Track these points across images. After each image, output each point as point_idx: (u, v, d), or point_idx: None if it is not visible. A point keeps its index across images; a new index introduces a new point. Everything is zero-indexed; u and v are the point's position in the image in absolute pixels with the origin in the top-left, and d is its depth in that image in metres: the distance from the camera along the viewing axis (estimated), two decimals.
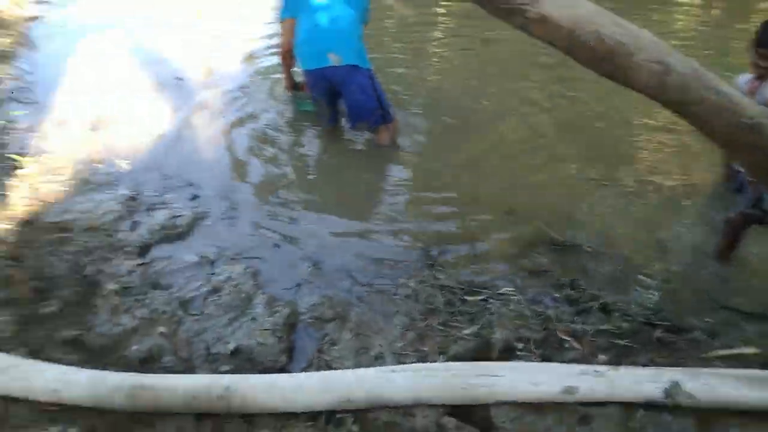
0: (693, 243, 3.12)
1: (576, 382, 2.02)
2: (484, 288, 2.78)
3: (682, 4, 7.95)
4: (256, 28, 6.73)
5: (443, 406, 2.06)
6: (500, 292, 2.76)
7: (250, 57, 5.83)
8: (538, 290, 2.82)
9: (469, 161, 3.93)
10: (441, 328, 2.50)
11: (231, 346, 2.42)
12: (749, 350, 2.27)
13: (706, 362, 2.24)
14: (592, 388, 2.00)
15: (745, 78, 3.10)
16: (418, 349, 2.39)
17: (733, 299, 2.72)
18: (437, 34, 6.70)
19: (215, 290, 2.79)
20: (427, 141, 4.19)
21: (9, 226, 3.17)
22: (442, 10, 7.46)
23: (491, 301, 2.67)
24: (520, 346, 2.37)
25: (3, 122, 4.36)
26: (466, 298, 2.70)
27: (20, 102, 4.76)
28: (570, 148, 4.10)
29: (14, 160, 3.81)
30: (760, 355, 2.26)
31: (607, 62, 1.86)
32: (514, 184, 3.69)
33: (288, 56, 4.08)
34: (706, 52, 5.90)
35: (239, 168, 3.88)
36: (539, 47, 5.31)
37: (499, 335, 2.40)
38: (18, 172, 3.70)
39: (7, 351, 2.29)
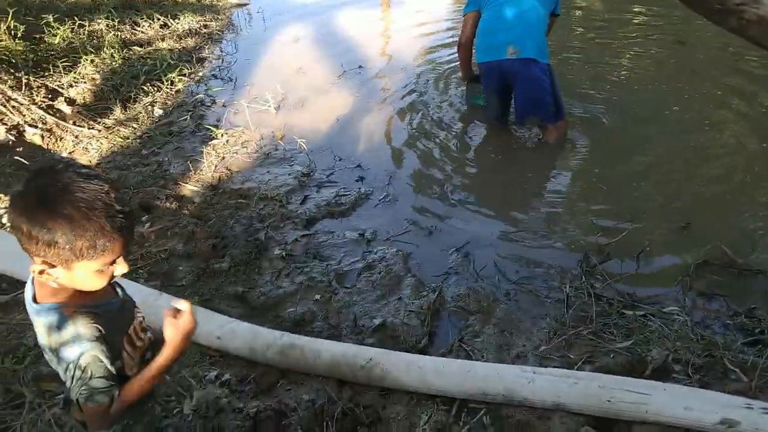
0: None
1: (737, 415, 1.82)
2: (646, 304, 2.61)
3: None
4: (439, 20, 6.89)
5: (583, 415, 1.97)
6: (664, 310, 2.57)
7: (429, 49, 5.98)
8: (708, 314, 2.58)
9: (648, 169, 3.68)
10: (591, 337, 2.39)
11: (377, 321, 2.53)
12: None
13: None
14: (756, 425, 1.79)
15: None
16: (564, 355, 2.32)
17: None
18: (629, 31, 6.31)
19: (369, 267, 2.93)
20: (602, 143, 3.99)
21: (198, 189, 3.60)
22: (637, 8, 7.01)
23: (652, 318, 2.50)
24: (678, 368, 2.19)
25: (203, 96, 4.94)
26: (625, 312, 2.55)
27: (221, 79, 5.37)
28: (753, 152, 3.67)
29: (210, 130, 4.30)
30: None
31: None
32: (695, 198, 3.39)
33: (466, 48, 4.10)
34: None
35: (405, 155, 4.02)
36: (740, 52, 4.84)
37: (655, 354, 2.24)
38: (211, 142, 4.18)
39: (183, 297, 2.61)
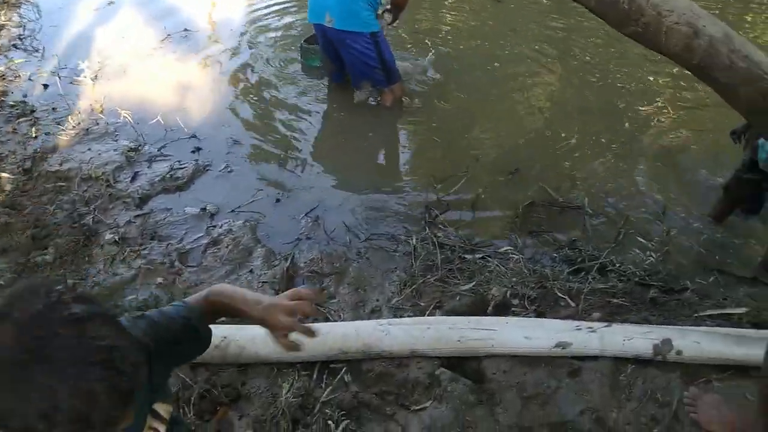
0: (692, 206, 3.13)
1: (569, 337, 2.05)
2: (484, 247, 2.81)
3: None
4: None
5: (438, 358, 2.10)
6: (500, 251, 2.79)
7: (258, 9, 5.74)
8: (538, 250, 2.85)
9: (476, 122, 3.91)
10: (438, 284, 2.53)
11: None
12: (738, 310, 2.30)
13: (697, 321, 2.27)
14: (584, 343, 2.03)
15: None
16: (415, 303, 2.43)
17: (727, 263, 2.75)
18: None
19: (214, 243, 2.82)
20: (434, 103, 4.14)
21: (7, 175, 3.18)
22: None
23: (490, 259, 2.70)
24: (516, 302, 2.40)
25: (3, 69, 4.33)
26: (465, 256, 2.72)
27: (24, 50, 4.72)
28: (581, 111, 4.05)
29: (15, 107, 3.80)
30: (749, 314, 2.29)
31: (635, 24, 1.82)
32: (519, 146, 3.67)
33: None
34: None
35: (243, 121, 3.86)
36: (552, 7, 5.17)
37: (495, 291, 2.43)
38: (18, 121, 3.70)
39: None
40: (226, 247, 2.78)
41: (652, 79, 4.36)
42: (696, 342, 2.03)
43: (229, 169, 3.37)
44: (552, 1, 5.70)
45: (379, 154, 3.67)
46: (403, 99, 4.02)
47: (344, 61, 3.83)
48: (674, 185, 3.31)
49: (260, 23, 5.52)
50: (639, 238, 2.85)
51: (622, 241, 2.88)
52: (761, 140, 2.49)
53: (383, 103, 3.99)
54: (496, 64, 4.70)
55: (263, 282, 2.56)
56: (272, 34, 5.14)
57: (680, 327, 2.12)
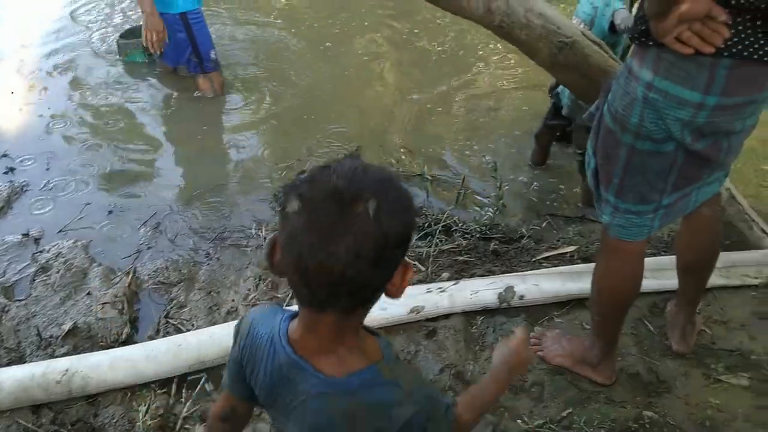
0: (519, 159, 3.37)
1: (422, 301, 2.13)
2: None
3: None
4: None
5: None
6: None
7: (72, 8, 5.22)
8: None
9: (313, 105, 3.86)
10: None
11: (66, 327, 2.24)
12: (569, 248, 2.52)
13: (535, 265, 2.45)
14: (436, 304, 2.12)
15: None
16: (272, 296, 2.38)
17: (555, 207, 3.00)
18: None
19: (43, 270, 2.56)
20: (268, 88, 4.04)
21: None
22: None
23: None
24: None
25: None
26: None
27: None
28: (416, 84, 4.15)
29: None
30: (579, 251, 2.52)
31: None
32: (358, 123, 3.70)
33: None
34: None
35: (62, 133, 3.51)
36: None
37: None
38: None
39: None
40: (57, 272, 2.54)
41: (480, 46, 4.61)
42: (535, 285, 2.19)
43: (50, 187, 3.06)
44: None
45: (218, 147, 3.51)
46: (221, 87, 3.89)
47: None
48: (503, 142, 3.53)
49: (77, 19, 5.04)
50: (477, 196, 3.02)
51: (463, 201, 3.03)
52: (560, 87, 2.76)
53: (200, 91, 3.84)
54: (328, 44, 4.69)
55: (104, 303, 2.37)
56: (87, 32, 4.72)
57: (521, 273, 2.28)
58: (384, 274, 0.82)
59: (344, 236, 0.75)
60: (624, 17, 2.40)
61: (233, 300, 2.40)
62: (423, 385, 0.93)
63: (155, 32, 3.45)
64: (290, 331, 0.89)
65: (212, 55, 3.75)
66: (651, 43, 1.25)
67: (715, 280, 2.26)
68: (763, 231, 2.38)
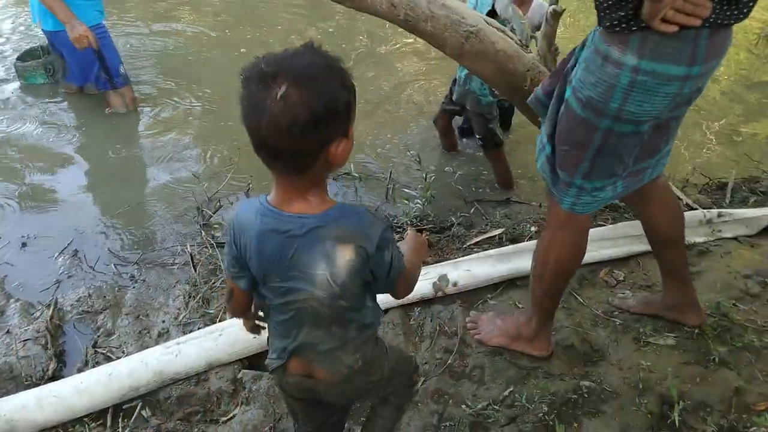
0: (440, 150, 3.43)
1: None
2: None
3: None
4: None
5: (238, 361, 2.03)
6: None
7: None
8: None
9: (229, 113, 3.78)
10: (225, 285, 2.43)
11: None
12: (496, 231, 2.58)
13: (466, 251, 2.49)
14: None
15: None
16: (204, 314, 2.31)
17: (480, 192, 3.06)
18: None
19: None
20: (181, 100, 3.92)
21: None
22: None
23: None
24: None
25: None
26: None
27: None
28: None
29: None
30: (507, 233, 2.58)
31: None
32: None
33: None
34: None
35: None
36: None
37: None
38: None
39: None
40: None
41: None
42: (467, 270, 2.23)
43: None
44: None
45: (135, 164, 3.37)
46: (133, 102, 3.76)
47: (68, 62, 3.51)
48: (423, 134, 3.57)
49: None
50: (405, 190, 3.04)
51: (393, 196, 3.04)
52: (457, 74, 2.84)
53: (111, 108, 3.69)
54: (242, 50, 4.61)
55: (25, 340, 2.23)
56: None
57: (453, 261, 2.31)
58: (310, 145, 0.98)
59: (264, 113, 0.94)
60: (503, 5, 2.46)
61: (163, 321, 2.31)
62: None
63: (84, 36, 3.27)
64: (269, 201, 1.08)
65: (121, 70, 3.61)
66: (635, 28, 1.29)
67: (636, 247, 2.38)
68: (677, 198, 2.50)
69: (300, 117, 0.93)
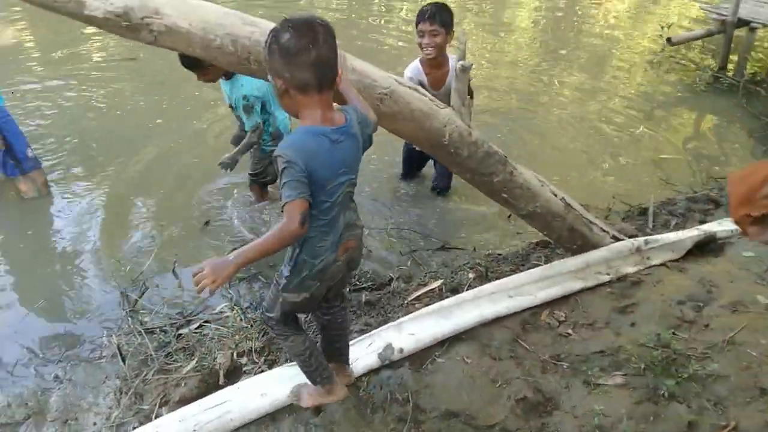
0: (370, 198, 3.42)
1: (301, 379, 2.01)
2: (198, 314, 2.64)
3: None
4: None
5: None
6: (215, 311, 2.64)
7: None
8: (254, 294, 2.78)
9: (141, 184, 3.66)
10: (160, 375, 2.28)
11: None
12: (436, 284, 2.56)
13: (408, 308, 2.45)
14: None
15: (414, 66, 3.12)
16: (138, 410, 2.14)
17: (414, 244, 3.06)
18: (83, 60, 5.98)
19: None
20: (89, 176, 3.76)
21: None
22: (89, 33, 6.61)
23: (208, 325, 2.53)
24: (245, 360, 2.29)
25: None
26: (181, 332, 2.51)
27: None
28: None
29: None
30: (446, 284, 2.56)
31: (248, 61, 1.81)
32: (192, 191, 3.56)
33: None
34: None
35: None
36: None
37: (220, 358, 2.28)
38: None
39: None
40: None
41: None
42: (411, 334, 2.17)
43: None
44: None
45: (50, 251, 3.15)
46: (44, 186, 3.58)
47: None
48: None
49: None
50: None
51: None
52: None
53: (24, 194, 3.49)
54: (159, 120, 4.49)
55: None
56: None
57: (396, 322, 2.24)
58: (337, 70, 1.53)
59: (320, 40, 1.43)
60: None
61: (95, 423, 2.14)
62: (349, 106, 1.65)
63: None
64: (320, 124, 1.49)
65: (29, 153, 3.42)
66: None
67: (573, 284, 2.41)
68: (603, 230, 2.58)
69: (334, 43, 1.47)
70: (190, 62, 2.59)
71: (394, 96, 1.99)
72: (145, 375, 2.27)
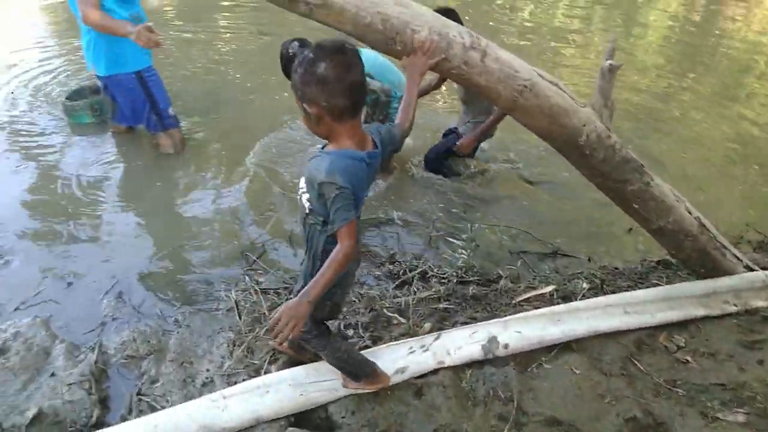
0: (483, 199, 3.39)
1: (405, 362, 2.05)
2: None
3: None
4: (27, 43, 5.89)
5: (284, 418, 1.97)
6: None
7: (12, 69, 5.10)
8: (361, 271, 2.84)
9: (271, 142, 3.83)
10: (269, 336, 2.39)
11: (30, 413, 2.08)
12: (547, 289, 2.50)
13: (516, 308, 2.42)
14: (420, 363, 2.05)
15: None
16: (248, 364, 2.27)
17: (525, 245, 3.00)
18: (217, 27, 6.34)
19: (1, 351, 2.38)
20: (218, 140, 3.98)
21: None
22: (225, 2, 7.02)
23: None
24: (351, 332, 2.36)
25: None
26: (290, 297, 2.61)
27: None
28: None
29: None
30: (558, 290, 2.50)
31: (393, 42, 1.85)
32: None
33: None
34: None
35: (11, 201, 3.34)
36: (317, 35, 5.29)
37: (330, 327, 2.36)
38: None
39: None
40: (17, 353, 2.36)
41: None
42: (518, 332, 2.15)
43: (2, 260, 2.89)
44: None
45: (182, 206, 3.39)
46: (181, 143, 3.84)
47: (119, 104, 3.58)
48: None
49: (21, 86, 4.91)
50: (449, 239, 2.98)
51: (435, 245, 2.99)
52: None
53: (162, 149, 3.77)
54: (251, 96, 4.67)
55: (70, 384, 2.21)
56: (34, 98, 4.58)
57: (503, 319, 2.23)
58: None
59: (354, 65, 1.48)
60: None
61: (207, 370, 2.28)
62: (377, 126, 1.71)
63: (151, 40, 3.22)
64: (356, 149, 1.54)
65: (171, 112, 3.67)
66: None
67: (696, 310, 2.28)
68: (736, 257, 2.41)
69: (361, 60, 1.51)
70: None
71: (534, 89, 1.96)
72: (257, 332, 2.39)
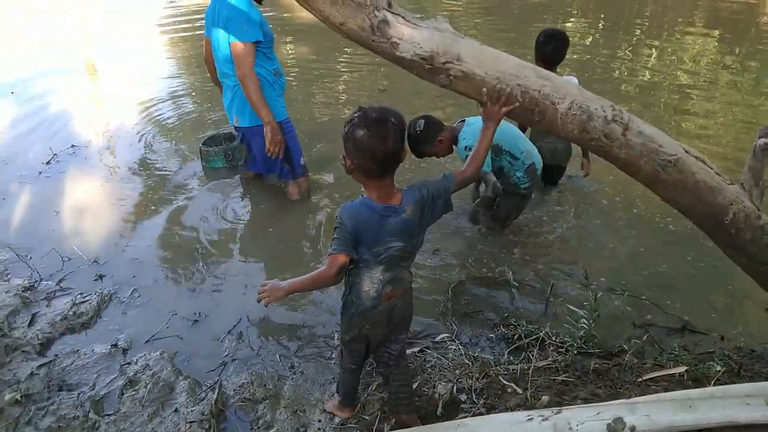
0: (608, 267, 3.23)
1: (523, 430, 1.97)
2: (420, 338, 2.73)
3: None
4: (151, 81, 6.49)
5: None
6: (436, 340, 2.71)
7: (149, 111, 5.62)
8: (474, 332, 2.79)
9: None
10: (382, 391, 2.39)
11: None
12: (678, 369, 2.32)
13: (642, 387, 2.26)
14: None
15: None
16: (360, 418, 2.28)
17: (651, 314, 2.82)
18: (338, 82, 6.66)
19: (131, 383, 2.56)
20: (350, 188, 4.11)
21: None
22: (343, 58, 7.37)
23: (428, 351, 2.61)
24: (464, 397, 2.31)
25: None
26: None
27: None
28: None
29: None
30: (689, 372, 2.32)
31: (532, 113, 1.87)
32: (440, 226, 3.66)
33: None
34: None
35: (148, 238, 3.63)
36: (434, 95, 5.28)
37: (441, 389, 2.34)
38: None
39: None
40: (145, 386, 2.53)
41: None
42: (646, 415, 2.00)
43: (137, 295, 3.12)
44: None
45: (304, 253, 3.50)
46: (307, 191, 3.99)
47: (254, 153, 3.80)
48: (592, 245, 3.40)
49: (152, 120, 5.39)
50: (569, 305, 2.87)
51: (554, 311, 2.89)
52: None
53: (289, 196, 3.93)
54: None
55: (191, 422, 2.32)
56: (169, 142, 5.00)
57: (629, 401, 2.09)
58: (402, 155, 1.77)
59: (389, 137, 1.69)
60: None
61: (319, 421, 2.31)
62: (425, 183, 1.88)
63: (280, 143, 3.55)
64: (375, 201, 1.78)
65: (302, 162, 3.86)
66: None
67: None
68: None
69: (401, 136, 1.74)
70: (419, 153, 3.13)
71: (679, 164, 1.87)
72: (371, 389, 2.40)
